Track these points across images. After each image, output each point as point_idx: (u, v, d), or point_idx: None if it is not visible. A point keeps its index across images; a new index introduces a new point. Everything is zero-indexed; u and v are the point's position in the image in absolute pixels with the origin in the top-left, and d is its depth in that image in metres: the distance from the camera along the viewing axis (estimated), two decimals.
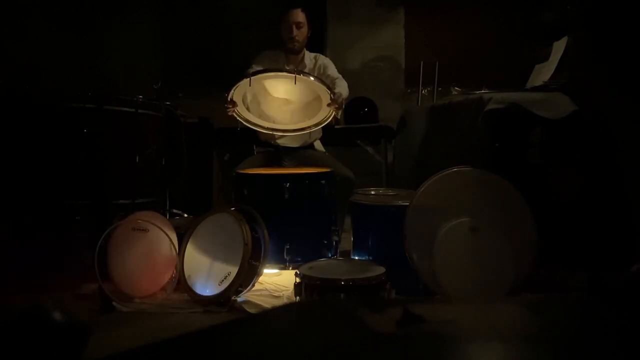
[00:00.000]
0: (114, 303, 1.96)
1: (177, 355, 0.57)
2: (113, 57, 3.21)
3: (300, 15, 2.73)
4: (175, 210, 3.19)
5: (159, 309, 1.99)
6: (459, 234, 1.89)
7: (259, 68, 2.77)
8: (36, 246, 2.19)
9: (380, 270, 1.90)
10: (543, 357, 0.55)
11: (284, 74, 2.43)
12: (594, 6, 2.10)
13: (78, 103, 2.35)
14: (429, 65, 3.79)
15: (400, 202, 2.11)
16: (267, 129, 2.67)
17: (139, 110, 2.52)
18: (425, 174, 2.05)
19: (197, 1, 4.40)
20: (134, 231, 2.12)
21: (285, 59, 2.83)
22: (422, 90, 3.86)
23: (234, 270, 2.00)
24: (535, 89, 2.39)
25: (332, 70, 2.84)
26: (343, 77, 2.82)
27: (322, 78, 2.69)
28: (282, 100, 2.80)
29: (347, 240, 2.42)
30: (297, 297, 1.90)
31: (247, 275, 2.03)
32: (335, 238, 2.38)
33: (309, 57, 2.85)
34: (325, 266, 2.01)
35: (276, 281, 2.30)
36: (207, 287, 2.04)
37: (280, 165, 2.77)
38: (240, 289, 2.04)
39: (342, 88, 2.71)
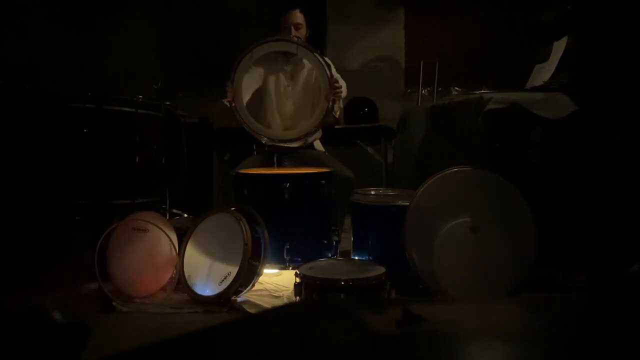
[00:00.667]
0: (114, 303, 1.96)
1: (177, 355, 0.57)
2: (113, 57, 3.22)
3: (299, 16, 2.73)
4: (175, 210, 3.19)
5: (159, 309, 1.99)
6: (459, 234, 1.89)
7: (258, 69, 2.78)
8: (36, 246, 2.19)
9: (380, 270, 1.90)
10: (543, 357, 0.55)
11: (286, 42, 2.46)
12: (594, 6, 2.10)
13: (78, 103, 2.35)
14: (429, 65, 3.78)
15: (400, 202, 2.11)
16: (264, 136, 2.66)
17: (139, 110, 2.52)
18: (425, 174, 2.05)
19: (197, 1, 4.40)
20: (134, 231, 2.12)
21: (283, 59, 2.83)
22: (422, 90, 3.86)
23: (234, 270, 2.00)
24: (535, 89, 2.39)
25: (332, 71, 2.84)
26: (343, 77, 2.82)
27: (320, 79, 2.69)
28: (280, 105, 2.81)
29: (347, 240, 2.42)
30: (297, 297, 1.90)
31: (247, 275, 2.03)
32: (335, 238, 2.38)
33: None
34: (325, 266, 2.01)
35: (276, 281, 2.30)
36: (207, 287, 2.04)
37: (280, 165, 2.77)
38: (240, 289, 2.04)
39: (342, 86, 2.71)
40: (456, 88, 3.11)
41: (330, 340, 0.59)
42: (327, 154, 2.97)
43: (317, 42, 2.78)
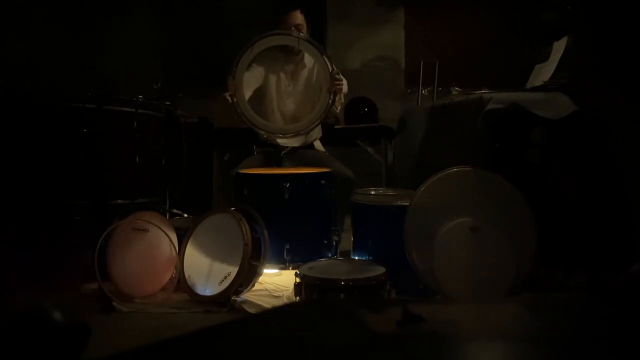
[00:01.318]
0: (114, 303, 1.97)
1: (177, 355, 0.57)
2: (113, 57, 3.22)
3: (299, 17, 2.74)
4: (175, 210, 3.19)
5: (159, 309, 1.99)
6: (459, 234, 1.89)
7: (259, 68, 2.78)
8: (36, 246, 2.19)
9: (380, 270, 1.90)
10: (543, 357, 0.55)
11: (287, 37, 2.47)
12: (594, 6, 2.10)
13: (78, 103, 2.35)
14: (429, 65, 3.79)
15: (400, 202, 2.11)
16: (265, 130, 2.68)
17: (139, 110, 2.52)
18: (425, 174, 2.05)
19: (197, 1, 4.40)
20: (134, 231, 2.12)
21: (284, 59, 2.83)
22: (422, 90, 3.86)
23: (234, 270, 2.00)
24: (535, 89, 2.39)
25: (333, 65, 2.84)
26: (343, 76, 2.82)
27: (321, 78, 2.70)
28: (281, 103, 2.81)
29: (347, 240, 2.42)
30: (297, 297, 1.90)
31: (247, 275, 2.03)
32: (335, 238, 2.38)
33: (308, 57, 2.85)
34: (325, 266, 2.01)
35: (276, 281, 2.30)
36: (207, 287, 2.04)
37: (280, 165, 2.77)
38: (240, 289, 2.04)
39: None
40: (456, 88, 3.11)
41: (330, 340, 0.59)
42: (327, 154, 2.98)
43: (317, 42, 2.78)
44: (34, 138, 2.29)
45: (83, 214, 2.33)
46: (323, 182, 2.35)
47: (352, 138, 3.85)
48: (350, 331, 0.61)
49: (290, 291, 2.03)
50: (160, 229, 2.11)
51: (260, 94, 2.83)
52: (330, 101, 2.55)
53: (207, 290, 2.03)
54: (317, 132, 2.97)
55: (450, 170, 1.99)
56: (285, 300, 2.11)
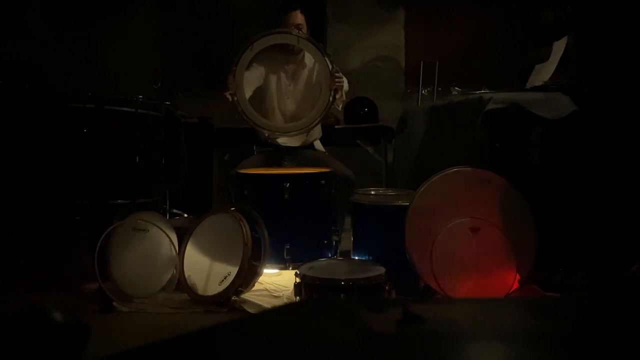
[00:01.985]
0: (114, 303, 1.96)
1: (177, 355, 0.57)
2: (113, 56, 3.21)
3: (299, 17, 2.74)
4: (175, 210, 3.19)
5: (159, 309, 1.99)
6: (459, 234, 1.89)
7: (260, 68, 2.78)
8: (36, 246, 2.19)
9: (380, 270, 1.90)
10: (543, 357, 0.55)
11: (287, 35, 2.48)
12: (594, 6, 2.10)
13: (78, 103, 2.35)
14: (429, 65, 3.79)
15: (400, 202, 2.11)
16: (265, 129, 2.68)
17: (139, 110, 2.52)
18: (425, 174, 2.05)
19: (197, 1, 4.40)
20: (134, 231, 2.12)
21: (284, 59, 2.83)
22: (422, 90, 3.87)
23: (234, 270, 2.00)
24: (535, 89, 2.39)
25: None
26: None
27: (321, 78, 2.70)
28: (281, 102, 2.82)
29: (347, 240, 2.42)
30: (297, 297, 1.90)
31: (247, 275, 2.03)
32: (335, 238, 2.38)
33: (308, 57, 2.85)
34: (325, 266, 2.01)
35: (276, 281, 2.30)
36: (207, 287, 2.04)
37: (280, 165, 2.77)
38: (240, 289, 2.04)
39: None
40: (456, 88, 3.11)
41: (330, 340, 0.59)
42: (327, 154, 2.98)
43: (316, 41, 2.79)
44: (34, 138, 2.29)
45: (83, 214, 2.33)
46: (323, 182, 2.35)
47: (352, 138, 3.85)
48: (350, 331, 0.61)
49: (290, 291, 2.03)
50: (160, 229, 2.11)
51: (260, 94, 2.83)
52: (331, 99, 2.55)
53: (207, 290, 2.03)
54: (317, 132, 2.97)
55: (450, 170, 1.99)
56: (285, 300, 2.11)
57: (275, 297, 2.14)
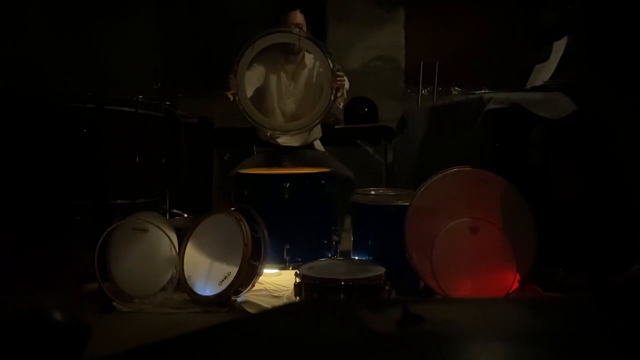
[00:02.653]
0: (114, 303, 1.96)
1: (177, 355, 0.57)
2: (113, 57, 3.21)
3: (299, 17, 2.74)
4: (175, 210, 3.19)
5: (159, 309, 1.99)
6: (459, 234, 1.89)
7: (260, 67, 2.78)
8: (36, 246, 2.19)
9: (380, 270, 1.90)
10: (543, 357, 0.55)
11: (288, 34, 2.50)
12: (593, 6, 2.10)
13: (78, 103, 2.35)
14: (429, 65, 3.79)
15: (400, 202, 2.11)
16: (267, 127, 2.68)
17: (139, 110, 2.52)
18: (425, 174, 2.05)
19: (197, 1, 4.40)
20: (134, 231, 2.12)
21: (284, 59, 2.83)
22: (422, 90, 3.87)
23: (234, 270, 2.00)
24: (535, 89, 2.39)
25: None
26: None
27: (322, 78, 2.70)
28: (282, 102, 2.82)
29: (347, 240, 2.42)
30: (297, 297, 1.90)
31: (247, 275, 2.03)
32: (335, 238, 2.38)
33: (308, 57, 2.85)
34: (325, 266, 2.01)
35: (276, 281, 2.30)
36: (207, 287, 2.04)
37: (280, 165, 2.77)
38: (240, 289, 2.04)
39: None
40: (456, 88, 3.11)
41: (330, 340, 0.59)
42: (327, 154, 2.98)
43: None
44: (34, 138, 2.29)
45: (83, 214, 2.34)
46: (323, 182, 2.35)
47: (352, 138, 3.85)
48: (350, 331, 0.61)
49: (290, 291, 2.03)
50: (160, 229, 2.11)
51: (260, 94, 2.83)
52: (332, 97, 2.56)
53: (207, 290, 2.03)
54: (317, 132, 2.97)
55: (450, 170, 1.99)
56: (285, 300, 2.11)
57: (275, 297, 2.14)
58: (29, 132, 2.29)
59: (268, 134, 2.77)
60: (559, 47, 2.53)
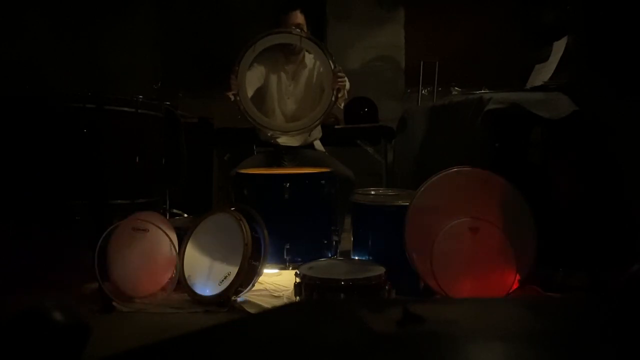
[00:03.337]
0: (114, 303, 1.96)
1: (177, 355, 0.57)
2: (113, 56, 3.21)
3: (299, 17, 2.74)
4: (175, 210, 3.19)
5: (159, 309, 1.99)
6: (459, 234, 1.89)
7: (260, 68, 2.78)
8: (36, 246, 2.19)
9: (380, 270, 1.90)
10: (543, 357, 0.55)
11: (289, 35, 2.51)
12: (593, 6, 2.10)
13: (78, 103, 2.34)
14: (429, 65, 3.79)
15: (400, 202, 2.10)
16: (267, 128, 2.69)
17: (139, 110, 2.51)
18: (425, 174, 2.05)
19: (197, 1, 4.41)
20: (134, 231, 2.12)
21: (284, 59, 2.83)
22: (422, 90, 3.86)
23: (234, 270, 2.00)
24: (535, 89, 2.39)
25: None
26: None
27: (322, 79, 2.70)
28: (283, 102, 2.82)
29: (347, 240, 2.42)
30: (297, 297, 1.90)
31: (247, 275, 2.03)
32: (335, 238, 2.38)
33: (308, 57, 2.85)
34: (325, 266, 2.01)
35: (276, 281, 2.30)
36: (207, 287, 2.04)
37: (280, 165, 2.77)
38: (240, 289, 2.04)
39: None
40: (456, 88, 3.11)
41: (330, 340, 0.59)
42: (327, 154, 2.98)
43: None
44: (34, 138, 2.29)
45: (83, 214, 2.33)
46: (323, 182, 2.35)
47: (352, 138, 3.85)
48: (350, 331, 0.61)
49: (290, 291, 2.03)
50: (160, 229, 2.11)
51: (261, 94, 2.83)
52: (333, 98, 2.56)
53: (207, 290, 2.03)
54: (317, 132, 2.97)
55: (450, 170, 1.99)
56: (285, 300, 2.11)
57: (275, 297, 2.14)
58: (29, 132, 2.29)
59: (269, 134, 2.77)
60: (559, 47, 2.53)
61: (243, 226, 2.04)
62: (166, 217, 2.89)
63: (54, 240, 2.24)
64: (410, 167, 3.07)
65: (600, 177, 2.15)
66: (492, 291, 1.87)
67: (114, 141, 2.43)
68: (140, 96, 2.57)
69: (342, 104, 2.78)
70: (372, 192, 2.34)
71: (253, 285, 2.10)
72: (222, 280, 2.01)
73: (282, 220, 2.26)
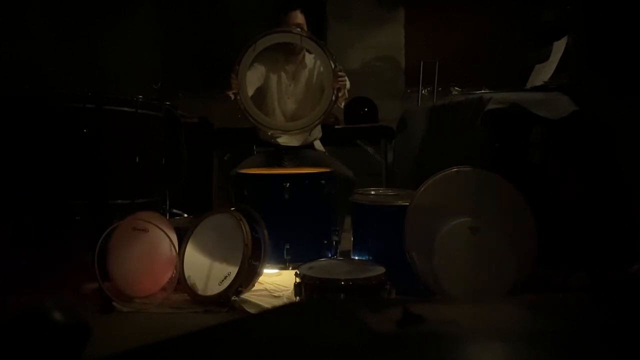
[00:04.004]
0: (114, 303, 1.96)
1: (177, 355, 0.57)
2: (113, 56, 3.22)
3: (299, 17, 2.74)
4: (175, 210, 3.19)
5: (159, 309, 1.98)
6: (459, 234, 1.89)
7: (260, 67, 2.78)
8: (36, 246, 2.19)
9: (380, 270, 1.90)
10: (543, 357, 0.55)
11: (289, 34, 2.51)
12: (594, 6, 2.10)
13: (78, 103, 2.34)
14: (429, 65, 3.78)
15: (400, 202, 2.10)
16: (268, 127, 2.69)
17: (139, 110, 2.51)
18: (425, 174, 2.05)
19: (197, 1, 4.41)
20: (134, 231, 2.12)
21: (284, 59, 2.83)
22: (422, 90, 3.86)
23: (234, 270, 2.00)
24: (535, 89, 2.39)
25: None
26: None
27: (322, 78, 2.70)
28: (283, 102, 2.82)
29: (347, 240, 2.42)
30: (297, 297, 1.90)
31: (247, 275, 2.03)
32: (335, 238, 2.38)
33: (308, 57, 2.85)
34: (325, 266, 2.01)
35: (276, 281, 2.30)
36: (207, 287, 2.04)
37: (280, 165, 2.78)
38: (240, 289, 2.04)
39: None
40: (456, 88, 3.11)
41: (330, 340, 0.59)
42: (327, 154, 2.98)
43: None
44: (34, 138, 2.29)
45: (83, 214, 2.33)
46: (323, 182, 2.35)
47: (352, 138, 3.85)
48: (350, 331, 0.61)
49: (290, 291, 2.03)
50: (160, 229, 2.11)
51: (261, 94, 2.83)
52: (334, 98, 2.56)
53: (207, 290, 2.03)
54: (317, 132, 2.97)
55: (450, 170, 1.99)
56: (285, 300, 2.11)
57: (275, 297, 2.14)
58: (29, 132, 2.29)
59: (269, 134, 2.77)
60: (559, 47, 2.53)
61: (243, 226, 2.04)
62: (166, 217, 2.89)
63: (54, 240, 2.24)
64: (410, 167, 3.07)
65: (600, 177, 2.15)
66: (492, 291, 1.86)
67: (114, 141, 2.43)
68: (140, 96, 2.57)
69: (343, 104, 2.79)
70: (372, 192, 2.34)
71: (253, 285, 2.10)
72: (222, 280, 2.01)
73: (282, 220, 2.26)
